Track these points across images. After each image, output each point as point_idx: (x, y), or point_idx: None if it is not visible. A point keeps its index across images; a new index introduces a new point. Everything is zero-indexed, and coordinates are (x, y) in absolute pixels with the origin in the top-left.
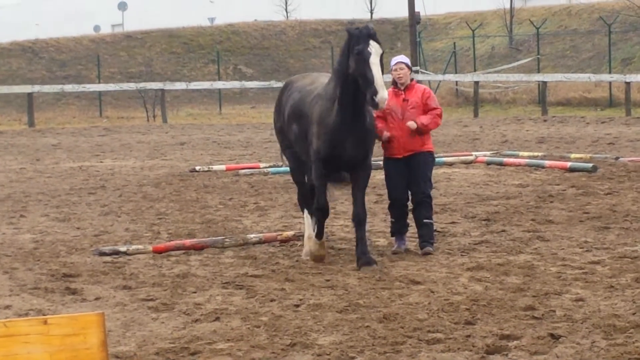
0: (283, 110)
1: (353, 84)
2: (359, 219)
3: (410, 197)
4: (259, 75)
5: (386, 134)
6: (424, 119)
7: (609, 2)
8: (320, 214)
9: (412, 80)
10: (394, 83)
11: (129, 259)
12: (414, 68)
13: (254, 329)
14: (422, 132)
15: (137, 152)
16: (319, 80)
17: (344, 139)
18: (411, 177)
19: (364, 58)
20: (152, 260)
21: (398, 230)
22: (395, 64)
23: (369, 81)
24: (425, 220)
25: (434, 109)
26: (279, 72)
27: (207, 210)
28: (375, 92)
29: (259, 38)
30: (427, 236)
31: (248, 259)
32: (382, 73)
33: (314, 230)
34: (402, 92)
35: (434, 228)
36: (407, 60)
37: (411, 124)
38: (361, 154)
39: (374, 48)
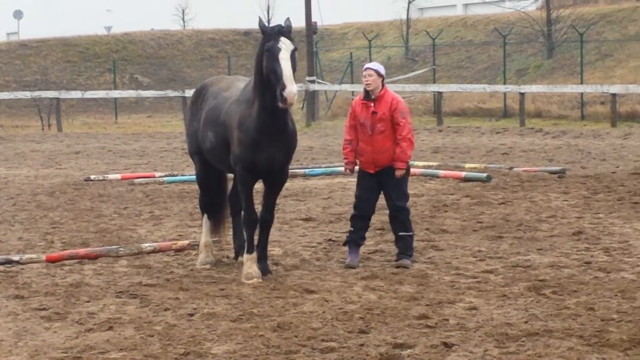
0: (198, 116)
1: (270, 85)
2: (266, 223)
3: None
4: (155, 84)
5: (348, 169)
6: (400, 157)
7: (504, 13)
8: (250, 226)
9: (383, 87)
10: (365, 93)
11: (21, 268)
12: (309, 78)
13: (147, 338)
14: (404, 160)
15: (31, 160)
16: (235, 84)
17: (266, 143)
18: (385, 191)
19: (274, 54)
20: (46, 270)
21: (354, 240)
22: (364, 70)
23: (278, 76)
24: (401, 233)
25: (400, 126)
26: (176, 82)
27: (102, 219)
28: (283, 87)
29: (156, 47)
30: (403, 248)
31: (142, 268)
32: (294, 69)
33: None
34: (372, 104)
35: (412, 240)
36: (378, 67)
37: (399, 172)
38: (283, 160)
39: (285, 44)
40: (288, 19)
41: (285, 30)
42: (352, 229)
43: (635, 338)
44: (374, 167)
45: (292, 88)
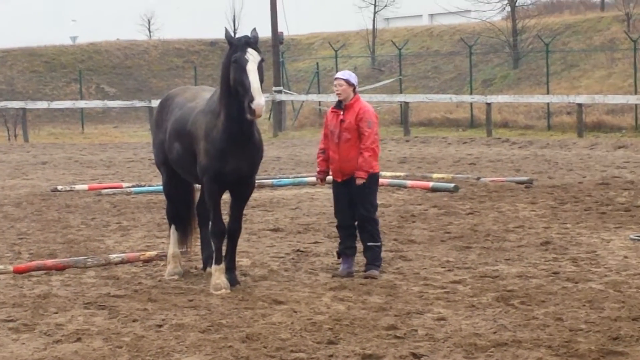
0: (164, 127)
1: (237, 96)
2: (234, 234)
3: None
4: (122, 94)
5: (319, 178)
6: (362, 166)
7: (470, 24)
8: (218, 237)
9: (355, 96)
10: (338, 102)
11: None
12: (276, 88)
13: (115, 349)
14: (366, 169)
15: None
16: (201, 95)
17: (232, 154)
18: (354, 200)
19: (241, 65)
20: (13, 281)
21: (343, 251)
22: (335, 79)
23: (246, 88)
24: (369, 244)
25: (365, 135)
26: (142, 92)
27: (69, 230)
28: (251, 99)
29: (122, 57)
30: (370, 259)
31: (110, 279)
32: (262, 80)
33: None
34: (341, 113)
35: (381, 251)
36: (348, 76)
37: (358, 181)
38: (249, 170)
39: (252, 55)
40: (254, 29)
41: (252, 41)
42: (340, 240)
43: (603, 348)
44: (341, 175)
45: (260, 100)
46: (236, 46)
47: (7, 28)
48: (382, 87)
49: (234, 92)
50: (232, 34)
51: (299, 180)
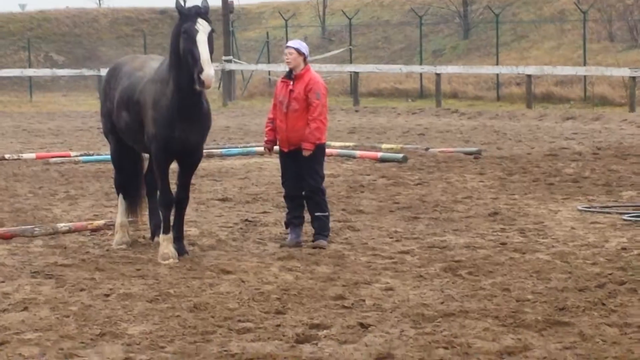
0: (112, 96)
1: (186, 66)
2: (182, 203)
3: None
4: (71, 63)
5: (267, 147)
6: (308, 137)
7: None
8: (166, 207)
9: (305, 66)
10: (288, 72)
11: None
12: (225, 58)
13: (63, 318)
14: (312, 141)
15: None
16: (149, 64)
17: (181, 122)
18: (300, 171)
19: (191, 36)
20: None
21: (291, 221)
22: (285, 47)
23: (195, 59)
24: (317, 214)
25: (312, 106)
26: (91, 60)
27: (16, 199)
28: (201, 70)
29: (71, 25)
30: (319, 229)
31: (58, 248)
32: (212, 51)
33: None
34: (291, 83)
35: (329, 221)
36: (299, 45)
37: (305, 153)
38: (197, 139)
39: (202, 26)
40: (206, 3)
41: (202, 12)
42: (287, 210)
43: (550, 319)
44: (288, 145)
45: (209, 71)
46: (186, 16)
47: None
48: (332, 57)
49: (184, 62)
50: (183, 3)
51: (247, 150)
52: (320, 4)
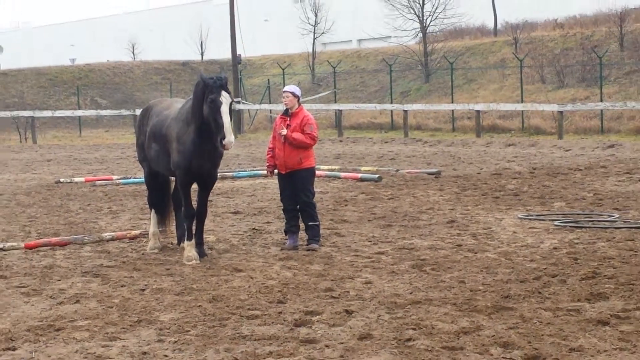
0: (144, 131)
1: (207, 125)
2: (202, 216)
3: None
4: (112, 105)
5: (268, 171)
6: (295, 134)
7: (390, 47)
8: (189, 219)
9: (299, 106)
10: (285, 110)
11: (4, 254)
12: (235, 99)
13: (107, 309)
14: (290, 142)
15: (11, 167)
16: (174, 105)
17: (198, 155)
18: (295, 189)
19: (216, 106)
20: (24, 255)
21: (289, 229)
22: (283, 92)
23: (219, 127)
24: (310, 223)
25: (308, 133)
26: (128, 103)
27: (70, 214)
28: (223, 137)
29: (111, 75)
30: (311, 235)
31: (103, 252)
32: (232, 118)
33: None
34: (288, 119)
35: (319, 229)
36: (294, 89)
37: (282, 131)
38: (211, 167)
39: (225, 98)
40: (225, 75)
41: (224, 84)
42: (285, 220)
43: (497, 305)
44: (285, 168)
45: (230, 138)
46: (212, 87)
47: (19, 52)
48: (320, 98)
49: (207, 122)
50: (200, 57)
51: (254, 173)
52: (310, 56)
